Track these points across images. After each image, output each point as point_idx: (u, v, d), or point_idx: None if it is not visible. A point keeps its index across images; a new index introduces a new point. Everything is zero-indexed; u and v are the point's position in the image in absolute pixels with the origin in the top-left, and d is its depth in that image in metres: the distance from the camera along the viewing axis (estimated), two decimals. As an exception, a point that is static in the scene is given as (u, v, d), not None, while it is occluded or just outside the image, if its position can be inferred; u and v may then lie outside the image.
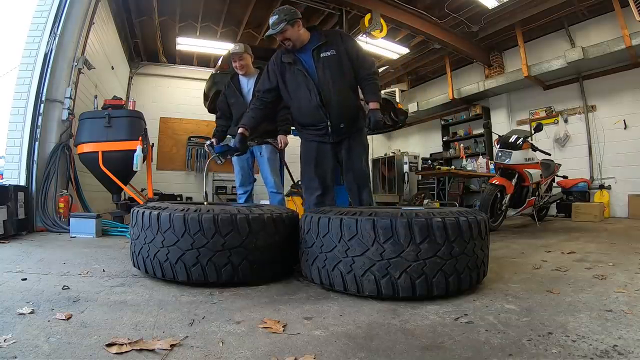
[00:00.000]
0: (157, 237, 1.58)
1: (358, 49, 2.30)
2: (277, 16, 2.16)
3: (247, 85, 3.12)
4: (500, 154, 4.18)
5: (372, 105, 2.22)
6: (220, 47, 6.81)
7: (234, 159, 3.18)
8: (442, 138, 8.78)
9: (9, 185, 3.20)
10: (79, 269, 1.85)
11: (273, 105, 2.43)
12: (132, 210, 1.79)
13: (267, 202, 3.64)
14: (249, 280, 1.62)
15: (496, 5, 5.91)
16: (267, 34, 2.24)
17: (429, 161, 7.74)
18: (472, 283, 1.49)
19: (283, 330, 1.09)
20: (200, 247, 1.53)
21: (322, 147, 2.36)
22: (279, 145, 3.12)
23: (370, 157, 9.80)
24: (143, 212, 1.65)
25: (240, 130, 2.34)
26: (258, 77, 3.11)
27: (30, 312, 1.16)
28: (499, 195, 3.94)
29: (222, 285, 1.58)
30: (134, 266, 1.77)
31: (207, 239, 1.53)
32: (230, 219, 1.56)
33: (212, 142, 2.86)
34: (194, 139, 7.86)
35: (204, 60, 7.93)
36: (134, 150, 3.76)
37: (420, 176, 8.03)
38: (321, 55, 2.21)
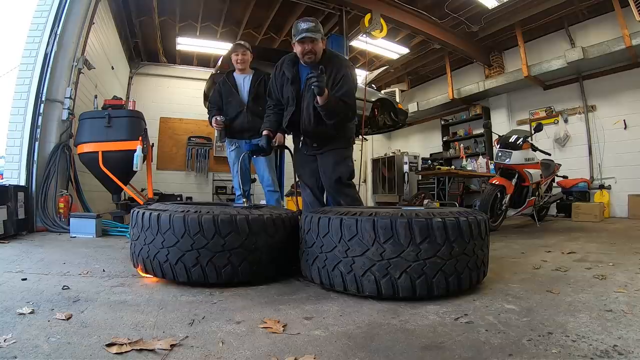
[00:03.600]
0: (157, 238, 1.58)
1: (342, 78, 2.18)
2: (314, 24, 2.13)
3: (243, 82, 3.11)
4: (500, 154, 4.18)
5: (320, 99, 2.07)
6: (220, 47, 6.81)
7: (231, 159, 3.18)
8: (442, 138, 8.78)
9: (9, 185, 3.20)
10: (79, 269, 1.85)
11: None
12: (132, 211, 1.79)
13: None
14: (248, 281, 1.62)
15: (496, 5, 5.90)
16: (302, 36, 2.12)
17: (429, 161, 7.74)
18: (472, 283, 1.49)
19: (283, 330, 1.09)
20: (200, 248, 1.53)
21: (305, 155, 2.48)
22: (276, 143, 3.12)
23: (370, 157, 9.89)
24: (143, 213, 1.65)
25: (265, 132, 2.46)
26: (253, 77, 3.11)
27: (30, 312, 1.16)
28: (499, 195, 3.94)
29: (222, 286, 1.58)
30: (135, 267, 1.77)
31: (207, 239, 1.53)
32: (230, 220, 1.56)
33: (223, 118, 3.01)
34: (194, 139, 7.86)
35: (204, 60, 7.92)
36: (134, 150, 3.76)
37: (420, 176, 8.03)
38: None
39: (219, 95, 3.17)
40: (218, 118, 3.01)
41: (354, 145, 2.56)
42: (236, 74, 3.17)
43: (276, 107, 2.49)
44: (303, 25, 2.14)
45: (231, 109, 3.10)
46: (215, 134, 2.97)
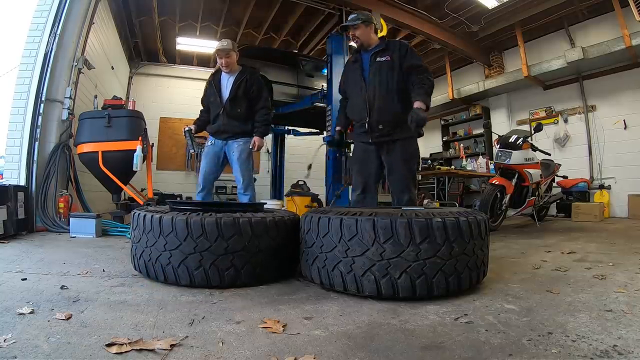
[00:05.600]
0: (159, 241, 1.58)
1: (413, 56, 2.42)
2: (355, 15, 2.52)
3: (227, 82, 3.11)
4: (500, 154, 4.18)
5: (416, 104, 2.27)
6: (220, 47, 6.80)
7: (203, 154, 3.17)
8: (442, 138, 8.78)
9: (9, 185, 3.20)
10: (79, 269, 1.85)
11: None
12: (132, 213, 1.78)
13: (270, 203, 3.60)
14: (251, 282, 1.62)
15: (496, 5, 5.90)
16: (342, 25, 2.70)
17: (429, 161, 7.74)
18: (472, 283, 1.49)
19: (283, 330, 1.09)
20: (203, 251, 1.53)
21: (367, 148, 2.53)
22: (254, 147, 3.12)
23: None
24: (144, 216, 1.65)
25: (337, 128, 2.79)
26: (239, 74, 3.08)
27: (30, 312, 1.16)
28: (499, 195, 3.94)
29: (225, 287, 1.58)
30: (135, 269, 1.77)
31: (210, 242, 1.53)
32: (233, 223, 1.57)
33: (190, 129, 3.13)
34: (194, 139, 7.85)
35: (204, 60, 7.92)
36: (134, 150, 3.76)
37: (420, 176, 8.03)
38: (377, 59, 2.44)
39: (205, 94, 3.21)
40: (185, 129, 3.12)
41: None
42: (224, 73, 3.16)
43: (345, 100, 2.71)
44: (349, 17, 2.56)
45: (213, 110, 3.14)
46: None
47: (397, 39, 7.00)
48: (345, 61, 2.78)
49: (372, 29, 2.50)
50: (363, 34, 2.48)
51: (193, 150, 3.19)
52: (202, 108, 3.27)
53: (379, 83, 2.40)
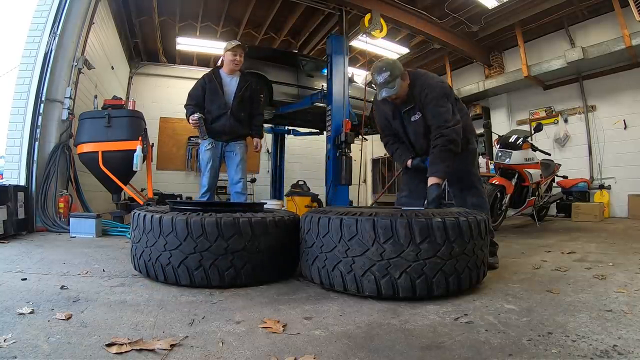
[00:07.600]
0: (159, 241, 1.58)
1: (431, 109, 2.06)
2: (388, 73, 1.98)
3: (230, 83, 3.11)
4: (500, 154, 4.18)
5: (431, 180, 1.96)
6: (220, 47, 6.77)
7: (205, 158, 3.12)
8: (442, 138, 8.76)
9: (9, 185, 3.19)
10: (79, 269, 1.85)
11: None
12: (132, 213, 1.78)
13: (270, 203, 3.61)
14: (251, 283, 1.62)
15: (496, 5, 5.90)
16: (382, 96, 2.03)
17: (429, 161, 7.75)
18: (472, 283, 1.49)
19: (283, 330, 1.09)
20: (203, 251, 1.53)
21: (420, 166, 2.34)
22: (258, 148, 3.22)
23: (370, 157, 9.88)
24: (144, 216, 1.65)
25: (409, 162, 2.39)
26: (241, 80, 3.10)
27: (30, 312, 1.16)
28: (499, 195, 3.94)
29: (224, 288, 1.58)
30: (135, 269, 1.77)
31: (210, 242, 1.54)
32: (233, 223, 1.57)
33: (202, 115, 2.97)
34: (194, 138, 7.84)
35: (204, 60, 7.92)
36: (134, 150, 3.76)
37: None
38: (411, 119, 2.17)
39: (202, 90, 3.07)
40: (195, 116, 2.95)
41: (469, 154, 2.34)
42: (224, 73, 3.11)
43: (394, 138, 2.41)
44: (379, 79, 2.02)
45: (214, 109, 3.05)
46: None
47: (398, 38, 7.01)
48: (378, 108, 2.36)
49: (407, 78, 2.06)
50: (403, 92, 2.05)
51: (204, 137, 3.02)
52: (188, 103, 3.09)
53: (423, 139, 2.19)
